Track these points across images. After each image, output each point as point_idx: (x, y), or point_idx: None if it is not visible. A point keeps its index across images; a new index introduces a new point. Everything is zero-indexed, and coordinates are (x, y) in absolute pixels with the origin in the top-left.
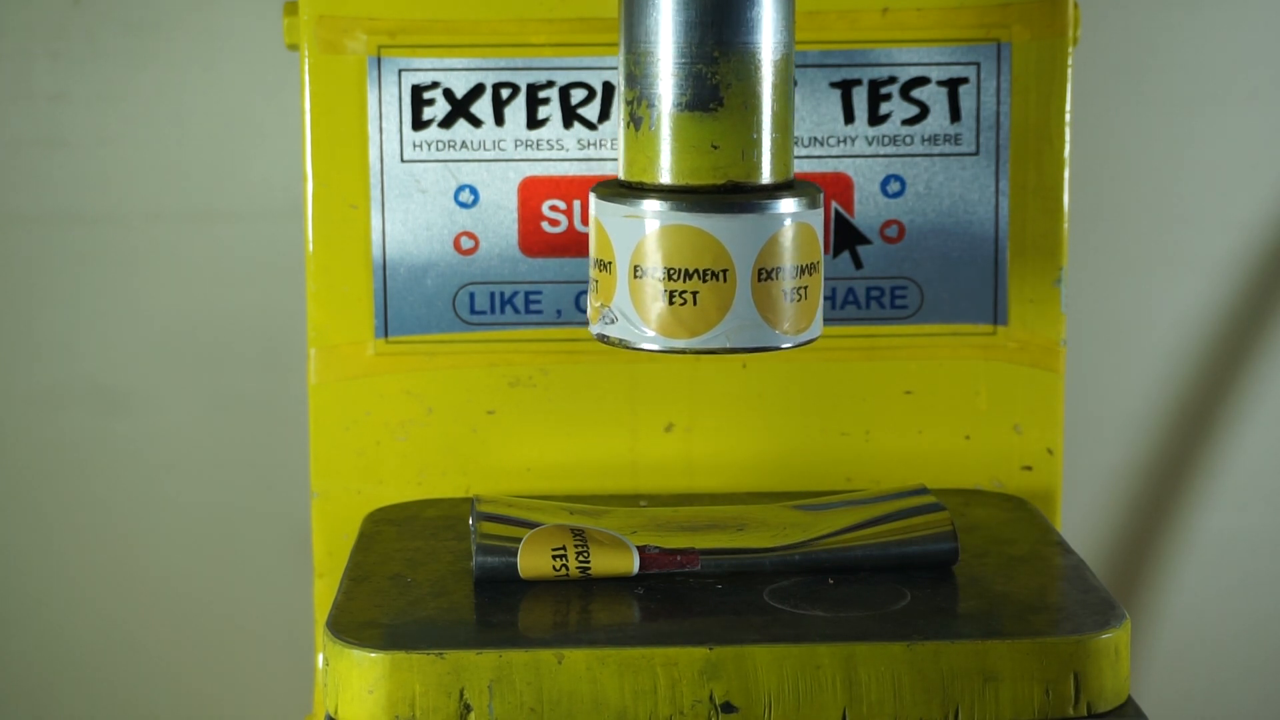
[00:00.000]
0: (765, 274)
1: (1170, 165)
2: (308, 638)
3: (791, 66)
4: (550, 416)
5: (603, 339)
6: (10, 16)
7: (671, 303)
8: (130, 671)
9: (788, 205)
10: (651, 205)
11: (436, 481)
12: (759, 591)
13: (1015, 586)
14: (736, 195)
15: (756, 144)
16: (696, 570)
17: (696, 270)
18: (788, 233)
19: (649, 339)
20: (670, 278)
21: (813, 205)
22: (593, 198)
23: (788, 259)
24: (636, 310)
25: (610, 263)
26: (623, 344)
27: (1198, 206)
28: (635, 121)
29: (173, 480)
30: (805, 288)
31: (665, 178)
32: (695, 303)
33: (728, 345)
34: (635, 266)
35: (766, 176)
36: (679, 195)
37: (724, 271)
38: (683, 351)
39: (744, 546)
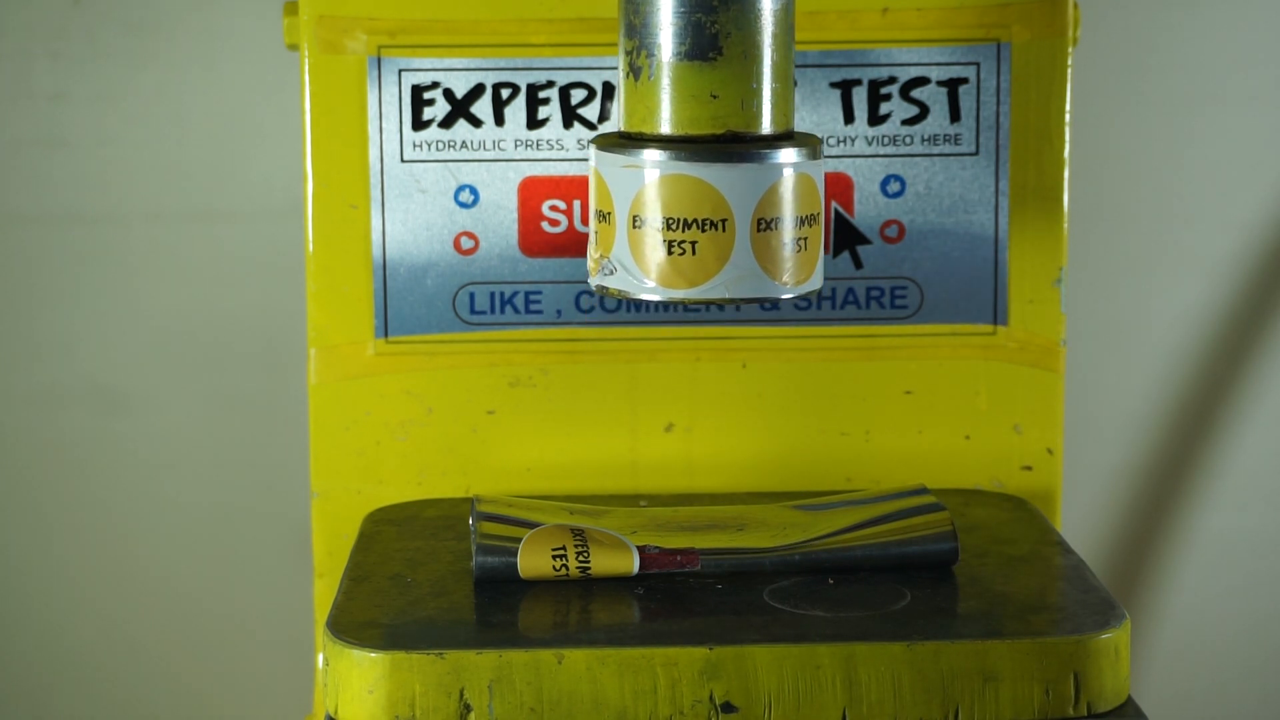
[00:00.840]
0: (765, 224)
1: (1170, 165)
2: (308, 638)
3: (792, 16)
4: (550, 416)
5: (602, 290)
6: (10, 16)
7: (670, 253)
8: (130, 671)
9: (788, 155)
10: (650, 155)
11: (436, 481)
12: (759, 591)
13: (1015, 586)
14: (736, 145)
15: (756, 94)
16: (696, 570)
17: (695, 220)
18: (787, 183)
19: (648, 289)
20: (669, 228)
21: (813, 156)
22: (592, 149)
23: (787, 209)
24: (636, 261)
25: (609, 213)
26: (622, 295)
27: (1198, 206)
28: (634, 71)
29: (173, 480)
30: (805, 239)
31: (664, 128)
32: (694, 253)
33: (727, 295)
34: (634, 217)
35: (766, 126)
36: (678, 145)
37: (723, 221)
38: (682, 301)
39: (744, 546)
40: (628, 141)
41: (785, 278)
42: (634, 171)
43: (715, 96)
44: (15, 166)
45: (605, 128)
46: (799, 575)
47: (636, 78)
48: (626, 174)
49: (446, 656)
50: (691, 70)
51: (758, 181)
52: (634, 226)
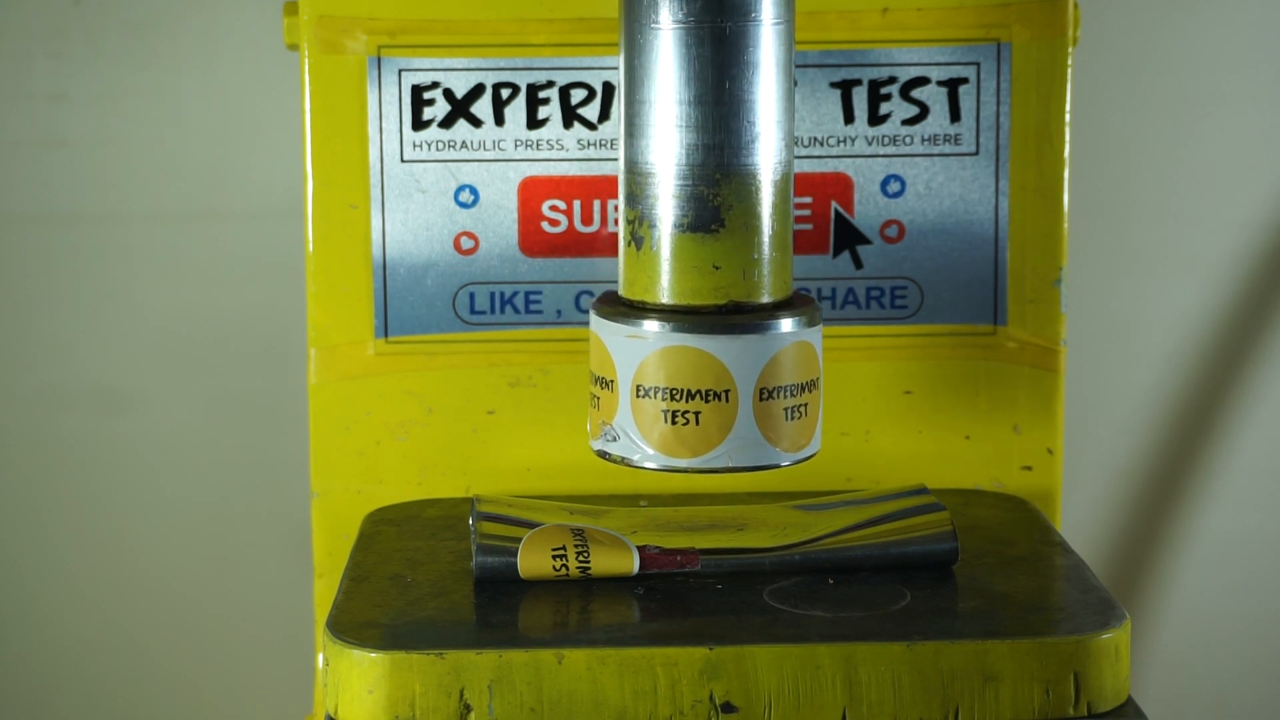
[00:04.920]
0: (766, 393)
1: (1170, 165)
2: (308, 638)
3: (790, 185)
4: (550, 416)
5: (603, 456)
6: (10, 16)
7: (674, 423)
8: (130, 671)
9: (788, 325)
10: (653, 326)
11: (436, 481)
12: (759, 591)
13: (1015, 586)
14: (738, 316)
15: (757, 264)
16: (696, 570)
17: (699, 391)
18: (788, 352)
19: (650, 458)
20: (672, 398)
21: (811, 323)
22: (593, 315)
23: (788, 377)
24: (639, 429)
25: (612, 381)
26: (624, 462)
27: (1198, 206)
28: (636, 241)
29: (173, 480)
30: (805, 405)
31: (666, 298)
32: (697, 423)
33: (729, 465)
34: (637, 386)
35: (766, 295)
36: (681, 316)
37: (726, 392)
38: (684, 471)
39: (744, 546)
40: (630, 310)
41: (785, 444)
42: (637, 342)
43: (717, 268)
44: (15, 166)
45: (604, 128)
46: (799, 575)
47: (639, 247)
48: (629, 344)
49: (446, 656)
50: (694, 242)
51: (760, 352)
52: (637, 396)
